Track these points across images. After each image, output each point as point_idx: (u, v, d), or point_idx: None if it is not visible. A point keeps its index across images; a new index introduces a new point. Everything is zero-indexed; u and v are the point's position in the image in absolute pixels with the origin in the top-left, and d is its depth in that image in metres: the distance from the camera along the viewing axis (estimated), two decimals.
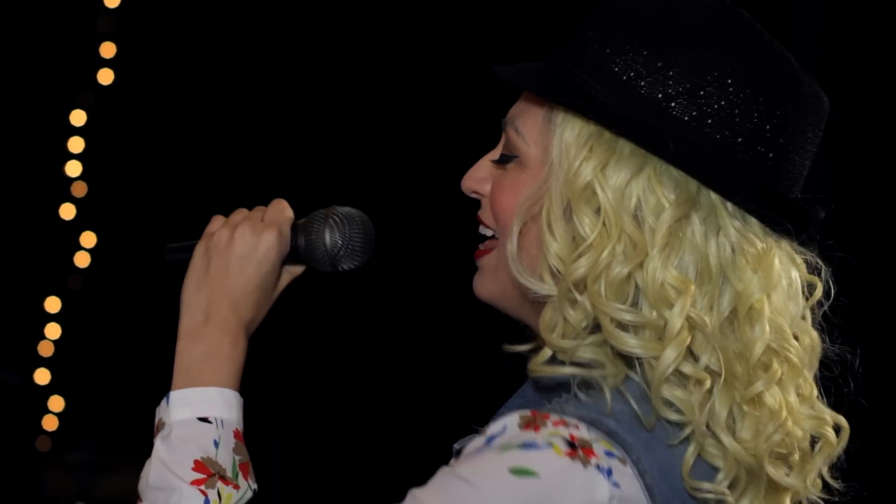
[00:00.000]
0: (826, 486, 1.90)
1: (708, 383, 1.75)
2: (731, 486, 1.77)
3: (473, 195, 1.94)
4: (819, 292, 1.89)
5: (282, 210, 2.05)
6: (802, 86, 1.81)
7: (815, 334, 1.88)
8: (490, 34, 5.86)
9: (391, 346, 6.11)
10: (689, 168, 1.76)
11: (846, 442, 1.89)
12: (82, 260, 6.59)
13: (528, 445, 1.70)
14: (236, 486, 1.89)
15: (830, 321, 1.90)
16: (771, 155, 1.78)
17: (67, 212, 6.56)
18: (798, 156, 1.81)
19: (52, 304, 6.59)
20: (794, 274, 1.86)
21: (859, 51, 4.74)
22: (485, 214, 1.93)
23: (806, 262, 1.89)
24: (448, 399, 5.91)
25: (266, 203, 2.08)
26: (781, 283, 1.83)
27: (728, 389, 1.77)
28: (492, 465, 1.70)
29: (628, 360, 1.77)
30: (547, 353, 1.79)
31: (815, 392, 1.88)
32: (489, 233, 1.94)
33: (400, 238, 5.72)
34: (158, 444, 1.92)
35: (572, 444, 1.70)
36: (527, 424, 1.72)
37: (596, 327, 1.77)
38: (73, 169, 6.54)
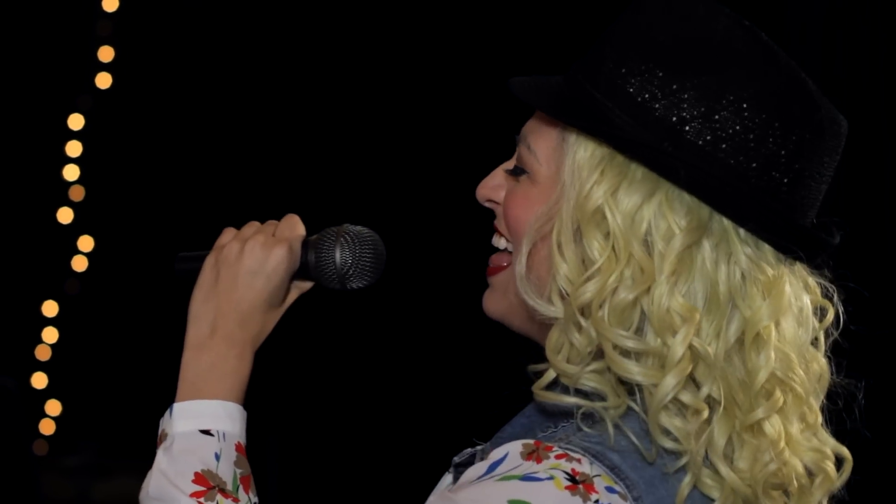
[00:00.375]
0: None
1: (706, 413, 1.74)
2: None
3: (488, 203, 1.93)
4: (831, 316, 1.87)
5: (293, 226, 2.04)
6: (820, 110, 1.79)
7: (823, 362, 1.86)
8: (504, 42, 5.86)
9: (390, 350, 6.11)
10: (701, 194, 1.75)
11: (849, 474, 1.87)
12: (80, 264, 6.58)
13: (529, 477, 1.69)
14: (236, 500, 1.88)
15: (841, 347, 1.88)
16: (786, 181, 1.76)
17: (65, 216, 6.55)
18: (814, 181, 1.79)
19: (50, 308, 6.58)
20: (806, 299, 1.84)
21: (858, 51, 4.74)
22: (500, 224, 1.92)
23: (819, 285, 1.87)
24: (447, 405, 5.91)
25: (270, 212, 2.09)
26: (792, 310, 1.81)
27: (728, 418, 1.75)
28: (492, 496, 1.70)
29: (629, 387, 1.76)
30: (551, 374, 1.78)
31: (820, 420, 1.86)
32: (502, 243, 1.93)
33: (402, 244, 5.72)
34: (160, 456, 1.91)
35: (573, 479, 1.69)
36: (529, 454, 1.72)
37: (600, 353, 1.76)
38: (71, 173, 6.54)
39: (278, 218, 2.07)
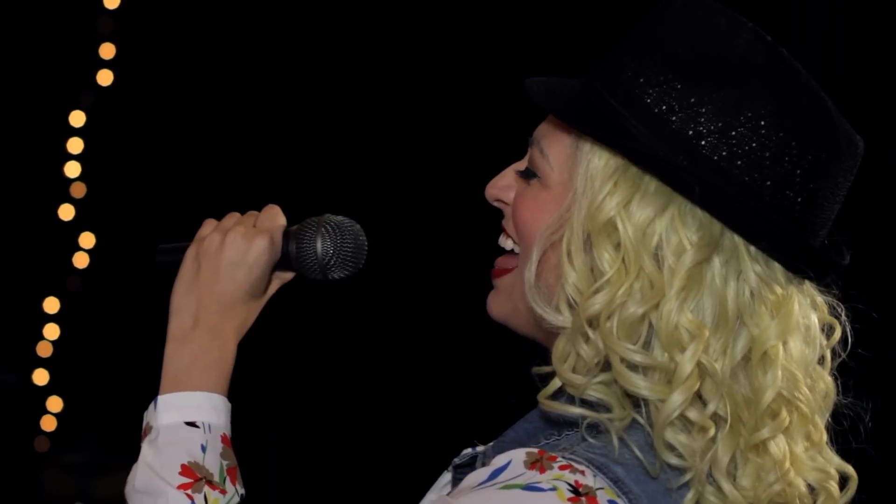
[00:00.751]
0: None
1: (712, 431, 1.73)
2: None
3: (497, 203, 1.92)
4: (838, 334, 1.85)
5: (274, 216, 2.04)
6: (837, 130, 1.77)
7: (829, 380, 1.84)
8: (513, 38, 5.86)
9: (391, 348, 6.11)
10: (714, 211, 1.74)
11: (853, 492, 1.85)
12: (81, 261, 6.59)
13: (531, 487, 1.68)
14: (223, 491, 1.87)
15: (848, 367, 1.87)
16: (799, 200, 1.75)
17: (66, 212, 6.56)
18: (827, 201, 1.78)
19: (51, 305, 6.59)
20: (814, 318, 1.82)
21: (859, 49, 4.74)
22: (508, 224, 1.91)
23: (827, 303, 1.86)
24: (448, 402, 5.91)
25: (260, 207, 2.07)
26: (799, 329, 1.80)
27: (733, 436, 1.74)
28: (493, 503, 1.69)
29: (635, 399, 1.75)
30: (556, 383, 1.76)
31: (825, 438, 1.84)
32: (509, 244, 1.91)
33: (403, 241, 5.72)
34: (145, 448, 1.90)
35: (576, 491, 1.68)
36: (533, 464, 1.70)
37: (607, 364, 1.75)
38: (73, 170, 6.54)
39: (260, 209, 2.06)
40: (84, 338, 6.56)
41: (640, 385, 1.72)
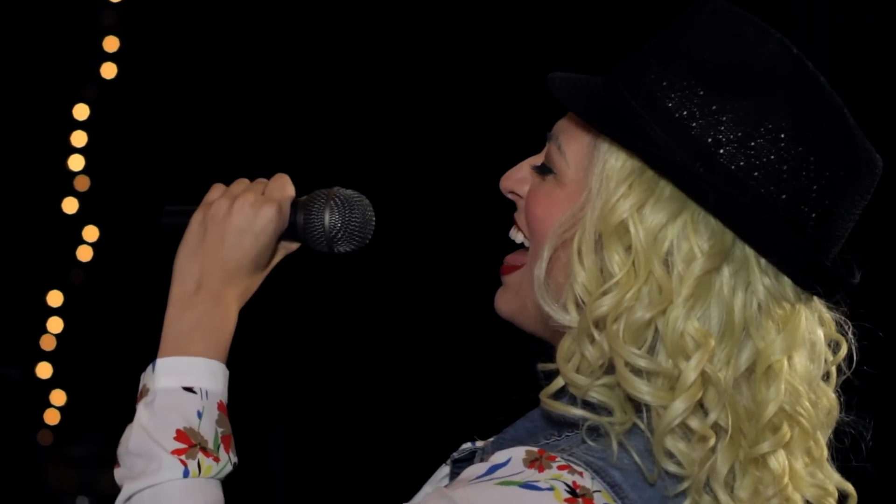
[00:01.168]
0: None
1: (712, 441, 1.72)
2: None
3: (510, 195, 1.91)
4: (844, 351, 1.85)
5: (283, 185, 2.01)
6: (857, 149, 1.76)
7: (832, 397, 1.84)
8: (521, 34, 5.85)
9: (394, 342, 6.11)
10: (727, 221, 1.73)
11: None
12: (84, 254, 6.59)
13: (529, 485, 1.68)
14: (217, 459, 1.85)
15: (852, 386, 1.87)
16: (814, 216, 1.74)
17: (70, 206, 6.56)
18: (842, 219, 1.77)
19: (55, 298, 6.59)
20: (820, 334, 1.82)
21: (863, 43, 4.73)
22: (520, 218, 1.90)
23: (834, 320, 1.85)
24: (451, 396, 5.91)
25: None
26: (805, 345, 1.80)
27: (733, 447, 1.74)
28: (489, 498, 1.68)
29: (637, 404, 1.74)
30: (559, 382, 1.76)
31: (826, 455, 1.84)
32: (520, 238, 1.91)
33: (410, 235, 5.72)
34: (141, 410, 1.88)
35: (574, 492, 1.68)
36: (532, 462, 1.70)
37: (611, 367, 1.74)
38: (76, 163, 6.54)
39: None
40: (87, 331, 6.56)
41: (643, 390, 1.72)
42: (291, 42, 6.22)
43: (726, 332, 1.74)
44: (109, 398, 6.36)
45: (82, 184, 6.56)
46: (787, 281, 1.76)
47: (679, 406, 1.71)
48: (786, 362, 1.77)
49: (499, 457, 1.72)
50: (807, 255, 1.74)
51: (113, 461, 1.93)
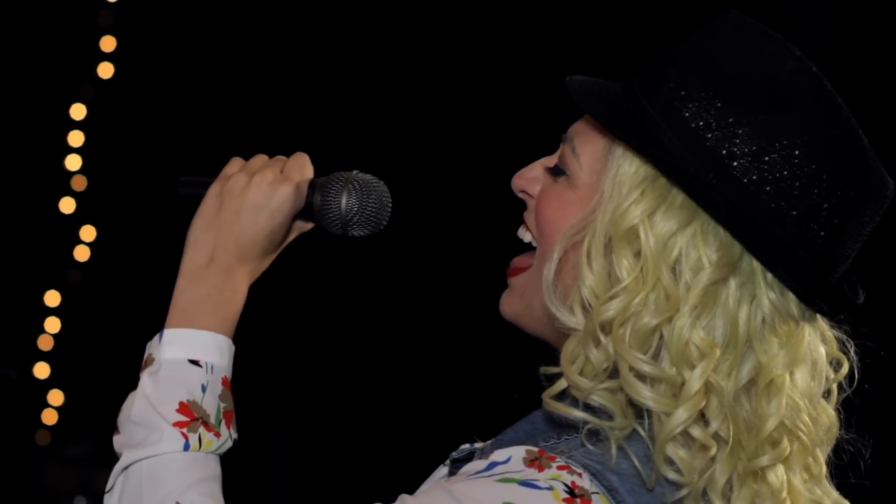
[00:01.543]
0: None
1: (713, 450, 1.74)
2: None
3: (521, 194, 1.92)
4: (845, 369, 1.86)
5: (302, 165, 2.01)
6: (870, 170, 1.78)
7: (832, 414, 1.85)
8: (545, 33, 5.85)
9: (392, 341, 6.10)
10: (736, 232, 1.75)
11: None
12: (82, 254, 6.59)
13: (528, 483, 1.70)
14: (217, 434, 1.85)
15: (852, 404, 1.88)
16: (823, 234, 1.75)
17: (67, 206, 6.56)
18: (850, 239, 1.78)
19: (52, 298, 6.59)
20: (822, 351, 1.84)
21: (860, 40, 4.74)
22: (530, 217, 1.91)
23: (836, 339, 1.86)
24: (449, 396, 5.91)
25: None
26: (807, 362, 1.81)
27: (732, 458, 1.75)
28: (487, 494, 1.69)
29: (639, 410, 1.76)
30: (562, 384, 1.78)
31: (825, 472, 1.85)
32: (527, 237, 1.92)
33: (412, 234, 5.72)
34: (145, 380, 1.87)
35: (572, 492, 1.69)
36: (532, 461, 1.72)
37: (614, 372, 1.76)
38: (73, 163, 6.54)
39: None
40: (85, 331, 6.56)
41: (646, 395, 1.73)
42: (291, 42, 6.22)
43: (730, 343, 1.76)
44: (107, 398, 6.35)
45: (79, 184, 6.56)
46: (792, 297, 1.78)
47: (682, 414, 1.72)
48: (787, 377, 1.78)
49: (499, 455, 1.74)
50: (813, 272, 1.76)
51: (111, 462, 1.92)
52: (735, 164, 1.73)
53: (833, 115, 1.77)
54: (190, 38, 6.33)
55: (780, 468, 1.78)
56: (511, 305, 1.91)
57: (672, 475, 1.73)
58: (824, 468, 1.85)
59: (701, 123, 1.75)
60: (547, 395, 1.77)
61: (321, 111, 6.18)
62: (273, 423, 6.25)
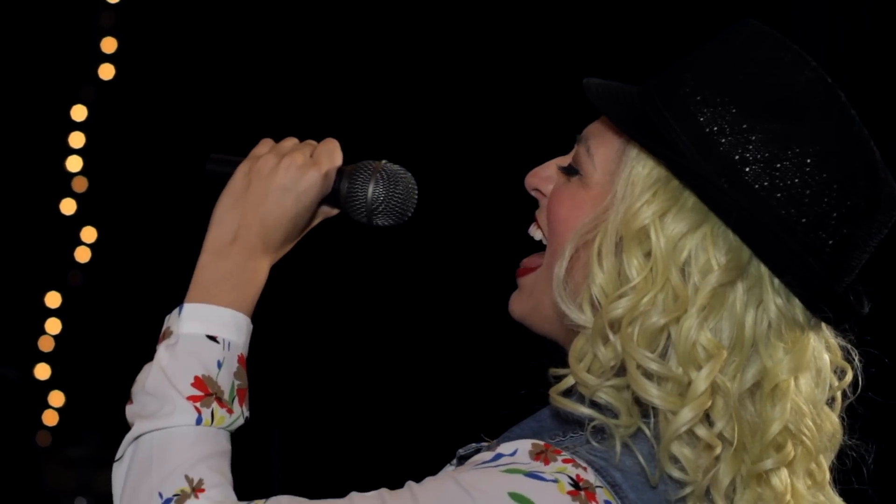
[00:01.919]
0: None
1: (718, 450, 1.76)
2: None
3: (534, 193, 1.94)
4: (849, 377, 1.88)
5: (332, 151, 2.03)
6: (880, 182, 1.80)
7: (836, 421, 1.87)
8: (557, 34, 5.85)
9: (394, 342, 6.10)
10: (745, 237, 1.77)
11: None
12: (83, 255, 6.59)
13: (533, 475, 1.72)
14: (230, 411, 1.86)
15: (856, 411, 1.89)
16: (831, 242, 1.77)
17: (68, 207, 6.56)
18: (858, 249, 1.80)
19: (53, 300, 6.59)
20: (826, 359, 1.86)
21: (861, 39, 4.74)
22: (542, 216, 1.93)
23: (840, 347, 1.88)
24: (452, 398, 5.91)
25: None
26: (811, 368, 1.83)
27: (736, 460, 1.77)
28: (494, 483, 1.71)
29: (644, 409, 1.78)
30: (570, 381, 1.80)
31: (828, 478, 1.87)
32: (538, 235, 1.94)
33: (419, 234, 5.71)
34: (162, 352, 1.88)
35: (577, 485, 1.71)
36: (538, 455, 1.74)
37: (621, 370, 1.78)
38: (74, 164, 6.54)
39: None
40: (86, 332, 6.56)
41: (653, 393, 1.75)
42: (293, 44, 6.22)
43: (735, 346, 1.78)
44: (108, 399, 6.36)
45: (80, 185, 6.56)
46: (798, 304, 1.80)
47: (688, 413, 1.74)
48: (792, 383, 1.80)
49: (506, 447, 1.76)
50: (820, 280, 1.78)
51: (111, 463, 1.92)
52: (747, 169, 1.76)
53: (846, 125, 1.79)
54: (191, 40, 6.34)
55: (784, 472, 1.80)
56: (520, 305, 1.93)
57: (676, 473, 1.75)
58: (828, 474, 1.87)
59: (715, 128, 1.77)
60: (554, 392, 1.80)
61: (323, 112, 6.18)
62: (274, 427, 6.25)
